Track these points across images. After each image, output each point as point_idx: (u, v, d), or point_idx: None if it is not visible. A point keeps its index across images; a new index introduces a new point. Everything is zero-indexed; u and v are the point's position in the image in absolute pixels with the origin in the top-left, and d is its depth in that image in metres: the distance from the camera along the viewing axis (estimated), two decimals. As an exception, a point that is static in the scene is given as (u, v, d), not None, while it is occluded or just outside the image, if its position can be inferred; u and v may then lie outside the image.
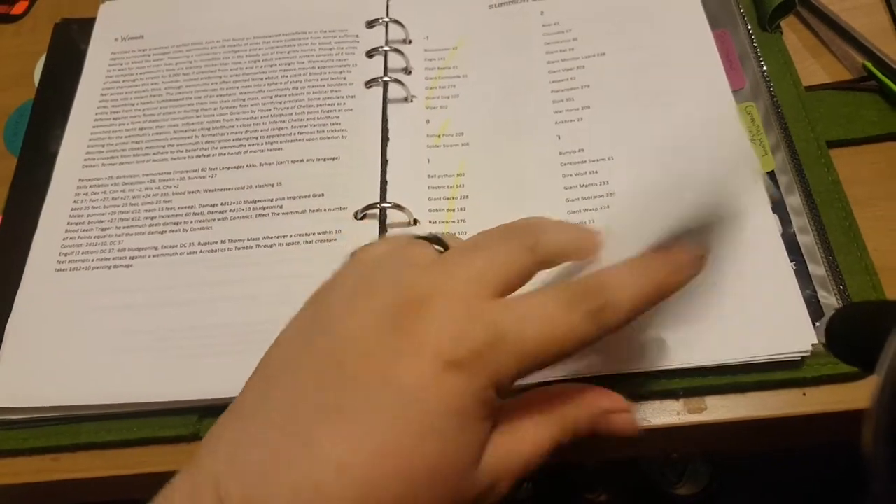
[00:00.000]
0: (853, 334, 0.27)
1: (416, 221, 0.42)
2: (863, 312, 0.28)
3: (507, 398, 0.29)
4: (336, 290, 0.30)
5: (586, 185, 0.42)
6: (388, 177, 0.44)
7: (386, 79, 0.47)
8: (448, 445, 0.26)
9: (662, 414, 0.36)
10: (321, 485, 0.25)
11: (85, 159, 0.46)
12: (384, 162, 0.44)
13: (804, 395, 0.36)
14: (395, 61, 0.48)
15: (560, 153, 0.44)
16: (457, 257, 0.29)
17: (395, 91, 0.47)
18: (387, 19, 0.50)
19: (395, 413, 0.26)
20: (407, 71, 0.48)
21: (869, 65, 0.44)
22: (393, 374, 0.26)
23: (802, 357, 0.35)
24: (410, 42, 0.50)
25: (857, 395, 0.35)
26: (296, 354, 0.29)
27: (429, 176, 0.44)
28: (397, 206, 0.42)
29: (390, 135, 0.45)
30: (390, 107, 0.46)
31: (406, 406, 0.26)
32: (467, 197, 0.43)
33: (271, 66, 0.49)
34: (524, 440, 0.29)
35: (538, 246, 0.29)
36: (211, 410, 0.38)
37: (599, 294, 0.28)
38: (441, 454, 0.26)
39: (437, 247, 0.32)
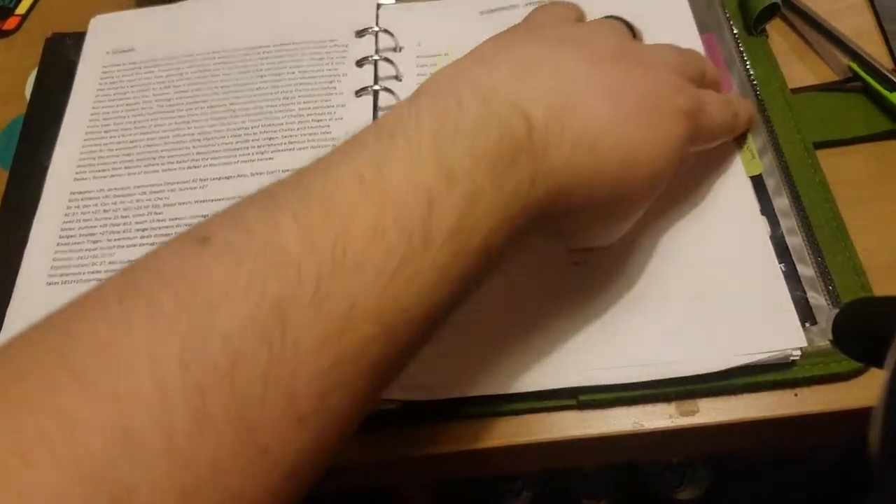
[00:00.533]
0: (860, 330, 0.27)
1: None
2: (870, 308, 0.28)
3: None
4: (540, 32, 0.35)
5: None
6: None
7: (376, 87, 0.47)
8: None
9: (655, 418, 0.36)
10: (599, 133, 0.29)
11: (76, 172, 0.46)
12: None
13: (796, 395, 0.36)
14: (386, 69, 0.49)
15: None
16: (651, 46, 0.38)
17: (385, 99, 0.47)
18: (376, 28, 0.50)
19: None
20: (398, 78, 0.48)
21: (854, 66, 0.45)
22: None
23: (793, 359, 0.35)
24: (401, 49, 0.50)
25: (849, 395, 0.35)
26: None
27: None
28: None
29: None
30: (381, 115, 0.47)
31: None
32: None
33: (261, 76, 0.49)
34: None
35: (706, 75, 0.38)
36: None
37: (732, 104, 0.39)
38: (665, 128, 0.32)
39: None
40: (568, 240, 0.39)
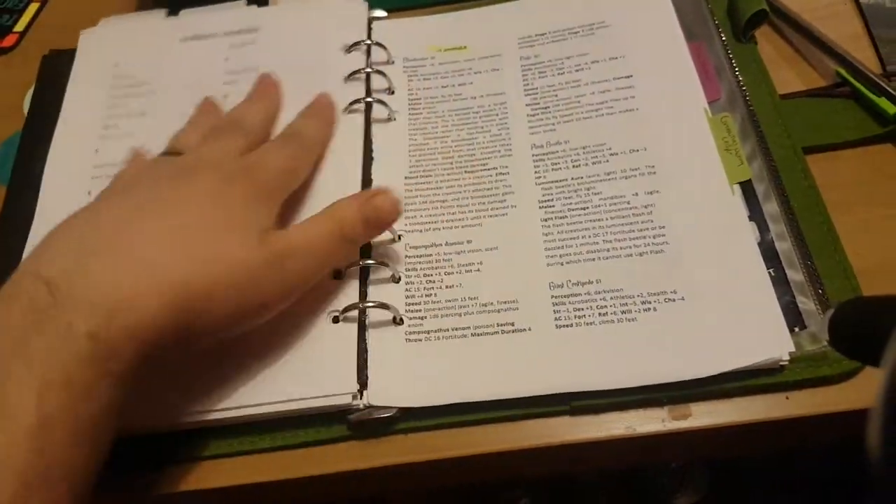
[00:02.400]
0: (856, 329, 0.27)
1: (399, 237, 0.42)
2: (866, 307, 0.28)
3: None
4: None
5: (560, 188, 0.43)
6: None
7: (368, 99, 0.47)
8: (235, 210, 0.36)
9: (648, 422, 0.36)
10: (134, 253, 0.32)
11: (66, 188, 0.47)
12: (368, 181, 0.45)
13: (787, 398, 0.36)
14: (379, 83, 0.49)
15: (535, 165, 0.44)
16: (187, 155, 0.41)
17: (378, 111, 0.48)
18: (369, 42, 0.50)
19: (188, 206, 0.35)
20: (390, 91, 0.49)
21: (842, 71, 0.45)
22: (185, 190, 0.36)
23: (781, 364, 0.36)
24: (393, 62, 0.51)
25: (840, 397, 0.36)
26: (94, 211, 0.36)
27: (410, 191, 0.45)
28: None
29: (374, 154, 0.46)
30: (374, 127, 0.47)
31: (197, 204, 0.35)
32: (452, 209, 0.44)
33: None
34: (308, 227, 0.38)
35: (245, 127, 0.43)
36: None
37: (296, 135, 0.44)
38: (227, 222, 0.35)
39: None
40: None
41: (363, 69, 0.49)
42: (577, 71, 0.48)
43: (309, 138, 0.44)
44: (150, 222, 0.33)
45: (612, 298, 0.38)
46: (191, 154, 0.40)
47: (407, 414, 0.37)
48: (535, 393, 0.36)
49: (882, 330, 0.23)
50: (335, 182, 0.44)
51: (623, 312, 0.38)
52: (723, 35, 0.47)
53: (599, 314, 0.38)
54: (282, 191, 0.39)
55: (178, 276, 0.31)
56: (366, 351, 0.39)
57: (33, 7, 0.63)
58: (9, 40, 0.61)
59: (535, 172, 0.44)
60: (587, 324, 0.38)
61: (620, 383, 0.36)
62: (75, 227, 0.34)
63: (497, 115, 0.47)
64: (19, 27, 0.62)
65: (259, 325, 0.35)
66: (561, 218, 0.42)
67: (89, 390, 0.28)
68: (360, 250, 0.42)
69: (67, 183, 0.47)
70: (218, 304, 0.32)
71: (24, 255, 0.44)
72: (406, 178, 0.45)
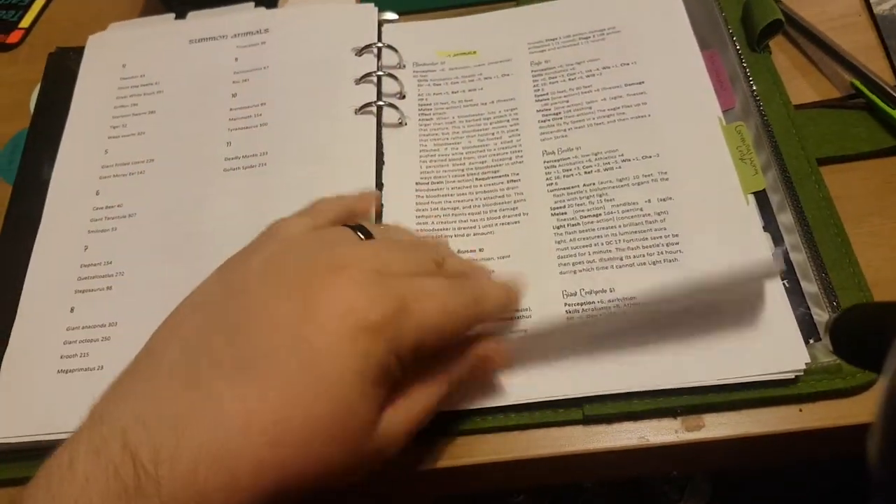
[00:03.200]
0: (858, 336, 0.27)
1: (411, 243, 0.42)
2: (867, 314, 0.28)
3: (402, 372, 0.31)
4: (248, 259, 0.33)
5: (571, 194, 0.43)
6: (384, 200, 0.44)
7: (380, 103, 0.47)
8: (348, 407, 0.28)
9: (661, 433, 0.36)
10: (226, 442, 0.26)
11: (77, 188, 0.47)
12: (379, 186, 0.44)
13: (801, 410, 0.36)
14: (390, 86, 0.49)
15: (546, 171, 0.44)
16: (369, 241, 0.33)
17: (388, 115, 0.47)
18: (380, 45, 0.50)
19: (300, 373, 0.28)
20: (401, 95, 0.49)
21: (857, 83, 0.45)
22: (302, 336, 0.28)
23: (796, 375, 0.35)
24: (403, 67, 0.50)
25: (853, 410, 0.36)
26: (205, 315, 0.31)
27: (421, 197, 0.44)
28: (392, 229, 0.42)
29: (385, 159, 0.46)
30: (385, 131, 0.47)
31: (311, 366, 0.28)
32: (463, 217, 0.43)
33: (260, 96, 0.49)
34: (414, 408, 0.32)
35: (444, 264, 0.35)
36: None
37: (475, 287, 0.34)
38: (342, 414, 0.28)
39: (359, 234, 0.34)
40: None
41: (374, 72, 0.48)
42: (588, 77, 0.48)
43: (488, 300, 0.35)
44: (244, 388, 0.28)
45: (625, 307, 0.38)
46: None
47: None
48: (548, 398, 0.36)
49: (883, 337, 0.23)
50: (348, 185, 0.44)
51: (637, 324, 0.38)
52: (737, 44, 0.47)
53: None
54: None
55: (270, 474, 0.27)
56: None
57: (39, 3, 0.63)
58: (14, 36, 0.60)
59: (547, 179, 0.44)
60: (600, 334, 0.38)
61: (633, 387, 0.36)
62: (162, 375, 0.29)
63: (508, 121, 0.47)
64: (24, 23, 0.61)
65: None
66: (573, 225, 0.42)
67: None
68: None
69: (76, 182, 0.47)
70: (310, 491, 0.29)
71: (32, 255, 0.44)
72: (417, 183, 0.45)
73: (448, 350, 0.33)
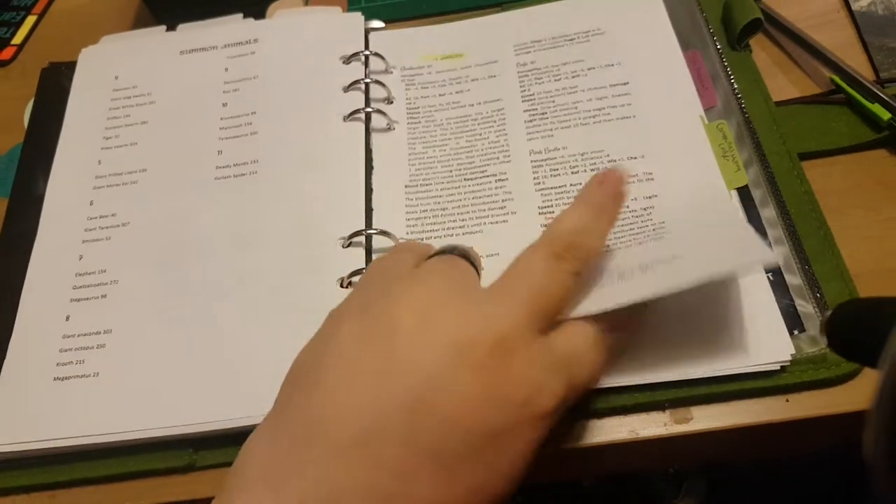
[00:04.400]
0: (853, 331, 0.27)
1: (401, 245, 0.43)
2: (863, 308, 0.28)
3: None
4: (388, 308, 0.30)
5: (559, 193, 0.43)
6: (374, 204, 0.45)
7: (368, 110, 0.48)
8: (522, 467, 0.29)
9: (650, 426, 0.37)
10: (332, 434, 0.26)
11: (72, 200, 0.47)
12: (369, 190, 0.45)
13: (787, 401, 0.36)
14: (377, 92, 0.50)
15: (534, 171, 0.45)
16: (505, 291, 0.31)
17: (377, 120, 0.48)
18: (367, 52, 0.51)
19: (490, 460, 0.27)
20: (389, 101, 0.49)
21: (836, 78, 0.46)
22: (487, 424, 0.27)
23: (782, 366, 0.36)
24: (392, 71, 0.51)
25: (840, 399, 0.36)
26: (347, 366, 0.29)
27: (411, 200, 0.45)
28: (383, 232, 0.43)
29: (374, 164, 0.46)
30: (374, 136, 0.47)
31: (501, 453, 0.28)
32: (452, 217, 0.44)
33: (250, 105, 0.50)
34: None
35: (567, 248, 0.32)
36: (205, 442, 0.38)
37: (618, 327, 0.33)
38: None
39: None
40: None
41: (362, 79, 0.49)
42: (573, 77, 0.48)
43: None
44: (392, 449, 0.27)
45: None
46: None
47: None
48: None
49: (879, 332, 0.23)
50: (338, 191, 0.45)
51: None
52: (718, 43, 0.47)
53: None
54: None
55: None
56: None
57: (31, 20, 0.63)
58: (6, 53, 0.61)
59: (535, 178, 0.44)
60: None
61: (621, 382, 0.36)
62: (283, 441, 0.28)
63: (495, 121, 0.48)
64: (17, 40, 0.62)
65: None
66: (557, 206, 0.42)
67: None
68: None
69: (70, 193, 0.48)
70: None
71: (29, 266, 0.45)
72: (406, 186, 0.45)
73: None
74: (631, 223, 0.41)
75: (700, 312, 0.38)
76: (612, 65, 0.48)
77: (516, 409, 0.28)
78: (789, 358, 0.36)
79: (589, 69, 0.48)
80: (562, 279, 0.31)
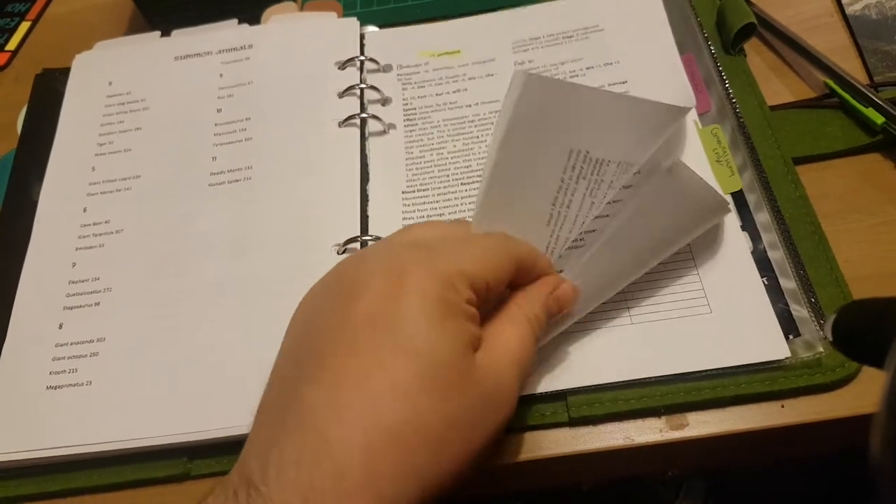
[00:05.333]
0: (860, 332, 0.27)
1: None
2: (870, 309, 0.28)
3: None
4: (310, 292, 0.34)
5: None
6: (370, 210, 0.44)
7: (363, 115, 0.48)
8: (431, 347, 0.28)
9: (646, 432, 0.36)
10: (327, 432, 0.26)
11: (65, 206, 0.47)
12: (364, 196, 0.45)
13: (782, 406, 0.36)
14: (373, 93, 0.50)
15: None
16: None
17: (374, 125, 0.48)
18: (362, 58, 0.51)
19: (368, 341, 0.28)
20: (383, 102, 0.49)
21: (831, 83, 0.45)
22: (355, 311, 0.29)
23: (778, 366, 0.36)
24: (389, 70, 0.51)
25: (835, 404, 0.36)
26: (280, 362, 0.32)
27: (407, 205, 0.45)
28: (378, 239, 0.42)
29: (370, 169, 0.46)
30: (370, 140, 0.47)
31: (376, 330, 0.29)
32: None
33: (245, 112, 0.50)
34: (508, 339, 0.32)
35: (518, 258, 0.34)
36: (200, 451, 0.38)
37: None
38: (427, 358, 0.28)
39: None
40: None
41: (357, 85, 0.49)
42: (572, 76, 0.48)
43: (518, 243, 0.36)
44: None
45: (610, 303, 0.39)
46: None
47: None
48: (532, 392, 0.37)
49: (886, 333, 0.23)
50: (333, 198, 0.45)
51: (619, 323, 0.38)
52: (712, 47, 0.47)
53: (598, 318, 0.38)
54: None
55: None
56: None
57: (24, 26, 0.63)
58: (0, 59, 0.61)
59: None
60: (583, 330, 0.38)
61: (615, 378, 0.36)
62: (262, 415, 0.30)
63: (492, 123, 0.48)
64: (11, 45, 0.62)
65: None
66: (558, 227, 0.42)
67: None
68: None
69: (64, 200, 0.48)
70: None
71: (22, 273, 0.45)
72: (403, 192, 0.45)
73: (510, 298, 0.34)
74: None
75: (694, 317, 0.38)
76: (611, 63, 0.48)
77: (374, 284, 0.30)
78: (786, 353, 0.36)
79: (587, 68, 0.48)
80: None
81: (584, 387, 0.37)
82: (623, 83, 0.47)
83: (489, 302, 0.33)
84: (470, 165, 0.46)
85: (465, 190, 0.45)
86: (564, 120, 0.36)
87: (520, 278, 0.35)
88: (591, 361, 0.37)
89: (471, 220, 0.37)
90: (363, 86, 0.49)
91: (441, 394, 0.28)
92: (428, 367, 0.28)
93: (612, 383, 0.37)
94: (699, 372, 0.36)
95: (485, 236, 0.35)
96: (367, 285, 0.30)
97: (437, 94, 0.50)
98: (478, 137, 0.47)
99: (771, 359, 0.36)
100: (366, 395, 0.27)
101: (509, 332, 0.33)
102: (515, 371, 0.32)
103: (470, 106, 0.49)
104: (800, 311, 0.37)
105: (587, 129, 0.36)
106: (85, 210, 0.47)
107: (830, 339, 0.28)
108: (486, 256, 0.33)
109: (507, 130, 0.34)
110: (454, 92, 0.50)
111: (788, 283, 0.38)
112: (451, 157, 0.47)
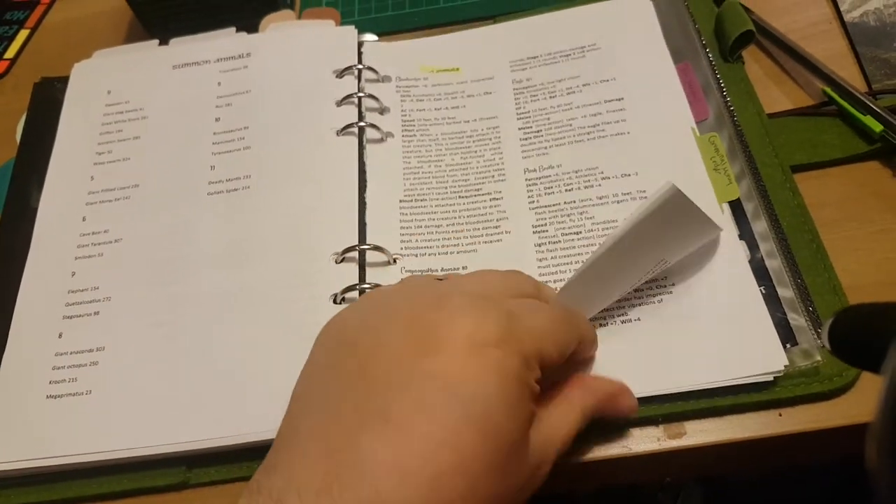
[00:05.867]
0: (857, 337, 0.27)
1: (395, 260, 0.43)
2: (866, 314, 0.27)
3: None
4: (351, 316, 0.32)
5: (553, 212, 0.43)
6: (367, 219, 0.44)
7: (361, 124, 0.48)
8: (496, 428, 0.27)
9: (644, 441, 0.36)
10: (385, 493, 0.25)
11: (64, 215, 0.47)
12: (362, 205, 0.45)
13: (780, 415, 0.36)
14: (370, 103, 0.50)
15: (528, 189, 0.45)
16: (468, 273, 0.35)
17: (371, 134, 0.48)
18: (360, 66, 0.51)
19: (440, 406, 0.27)
20: (382, 111, 0.49)
21: (829, 90, 0.46)
22: (429, 369, 0.28)
23: (776, 377, 0.36)
24: (387, 80, 0.51)
25: (833, 413, 0.36)
26: (325, 379, 0.30)
27: (405, 215, 0.45)
28: (376, 248, 0.42)
29: (368, 177, 0.46)
30: (368, 148, 0.47)
31: (450, 396, 0.27)
32: (447, 234, 0.44)
33: (243, 121, 0.50)
34: (558, 425, 0.32)
35: (540, 290, 0.36)
36: (199, 460, 0.38)
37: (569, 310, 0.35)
38: (492, 438, 0.27)
39: None
40: None
41: (355, 93, 0.49)
42: (568, 94, 0.48)
43: (582, 323, 0.37)
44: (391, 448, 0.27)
45: (607, 318, 0.39)
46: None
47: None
48: None
49: (882, 337, 0.23)
50: (331, 206, 0.45)
51: (617, 332, 0.38)
52: (710, 55, 0.47)
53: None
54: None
55: None
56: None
57: (23, 34, 0.63)
58: None
59: (529, 197, 0.44)
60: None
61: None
62: (302, 441, 0.28)
63: (490, 139, 0.48)
64: (9, 54, 0.62)
65: None
66: (554, 243, 0.42)
67: None
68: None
69: (63, 209, 0.48)
70: None
71: (21, 282, 0.45)
72: (401, 201, 0.45)
73: (571, 382, 0.34)
74: None
75: (693, 328, 0.38)
76: (607, 80, 0.48)
77: (459, 346, 0.29)
78: (782, 368, 0.36)
79: (584, 85, 0.48)
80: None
81: None
82: (619, 100, 0.47)
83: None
84: (468, 179, 0.46)
85: (464, 203, 0.45)
86: (679, 238, 0.37)
87: (573, 355, 0.35)
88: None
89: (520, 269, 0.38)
90: (361, 94, 0.49)
91: (501, 476, 0.28)
92: (495, 449, 0.27)
93: None
94: (699, 391, 0.36)
95: (561, 311, 0.35)
96: (445, 343, 0.28)
97: (435, 109, 0.50)
98: (476, 152, 0.47)
99: (769, 370, 0.36)
100: (432, 466, 0.26)
101: (562, 417, 0.33)
102: (555, 456, 0.32)
103: (468, 122, 0.49)
104: (797, 320, 0.37)
105: (682, 247, 0.38)
106: (84, 219, 0.47)
107: (827, 344, 0.28)
108: (558, 333, 0.32)
109: (631, 227, 0.34)
110: (452, 108, 0.50)
111: (786, 292, 0.38)
112: (450, 170, 0.47)
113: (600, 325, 0.39)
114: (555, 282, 0.41)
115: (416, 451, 0.26)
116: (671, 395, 0.36)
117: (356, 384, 0.28)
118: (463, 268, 0.42)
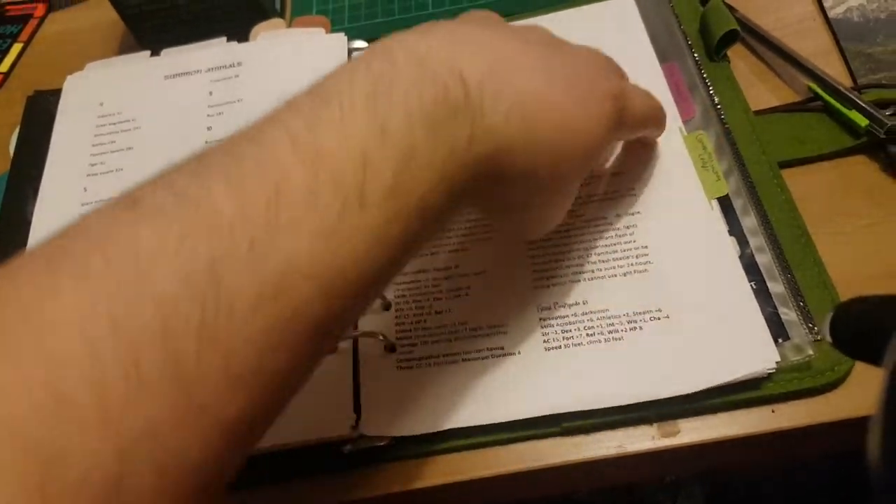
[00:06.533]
0: (858, 329, 0.27)
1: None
2: (867, 307, 0.27)
3: None
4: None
5: None
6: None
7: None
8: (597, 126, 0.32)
9: (638, 440, 0.37)
10: (538, 99, 0.29)
11: (58, 226, 0.47)
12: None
13: (773, 411, 0.36)
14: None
15: None
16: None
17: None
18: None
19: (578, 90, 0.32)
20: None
21: (814, 86, 0.46)
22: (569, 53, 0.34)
23: (769, 373, 0.36)
24: None
25: (825, 408, 0.36)
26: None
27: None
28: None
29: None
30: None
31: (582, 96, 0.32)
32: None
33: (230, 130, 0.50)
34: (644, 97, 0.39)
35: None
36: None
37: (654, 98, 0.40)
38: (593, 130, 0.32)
39: None
40: (505, 227, 0.41)
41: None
42: None
43: (662, 114, 0.41)
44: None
45: (598, 319, 0.39)
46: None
47: (400, 442, 0.37)
48: (526, 416, 0.37)
49: (884, 330, 0.23)
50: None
51: (610, 332, 0.38)
52: (696, 54, 0.48)
53: (587, 335, 0.39)
54: (638, 129, 0.40)
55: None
56: (358, 380, 0.39)
57: (17, 47, 0.64)
58: (-8, 81, 0.61)
59: None
60: (575, 345, 0.38)
61: (610, 402, 0.36)
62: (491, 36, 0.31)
63: None
64: (3, 67, 0.62)
65: None
66: (545, 240, 0.42)
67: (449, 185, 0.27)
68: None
69: (57, 221, 0.47)
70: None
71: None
72: None
73: None
74: (614, 242, 0.41)
75: (684, 326, 0.38)
76: None
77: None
78: (775, 366, 0.36)
79: None
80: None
81: (576, 412, 0.37)
82: None
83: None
84: None
85: None
86: None
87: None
88: (582, 385, 0.37)
89: None
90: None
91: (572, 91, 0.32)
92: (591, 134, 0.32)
93: (604, 409, 0.37)
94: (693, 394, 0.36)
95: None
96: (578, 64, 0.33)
97: None
98: None
99: (762, 367, 0.36)
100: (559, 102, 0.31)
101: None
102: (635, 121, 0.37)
103: None
104: (788, 315, 0.38)
105: None
106: (78, 230, 0.47)
107: (828, 337, 0.28)
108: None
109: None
110: None
111: (776, 287, 0.39)
112: None
113: (588, 334, 0.39)
114: (548, 278, 0.41)
115: (558, 93, 0.30)
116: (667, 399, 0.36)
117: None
118: (455, 266, 0.42)
